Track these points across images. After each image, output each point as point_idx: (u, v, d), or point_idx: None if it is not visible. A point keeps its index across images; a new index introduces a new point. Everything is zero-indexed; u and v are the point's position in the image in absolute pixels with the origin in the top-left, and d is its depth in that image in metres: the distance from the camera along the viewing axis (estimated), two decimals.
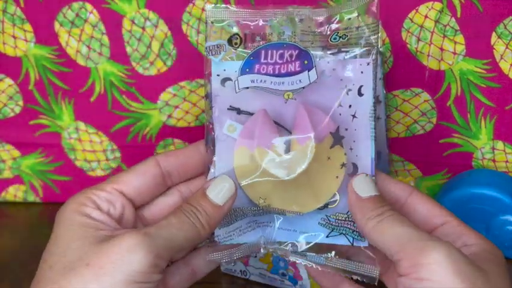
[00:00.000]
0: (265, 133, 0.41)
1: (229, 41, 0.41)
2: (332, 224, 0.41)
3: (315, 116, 0.41)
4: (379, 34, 0.41)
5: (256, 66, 0.41)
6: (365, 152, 0.41)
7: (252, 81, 0.41)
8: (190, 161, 0.42)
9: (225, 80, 0.42)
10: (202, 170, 0.43)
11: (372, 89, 0.41)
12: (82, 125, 0.62)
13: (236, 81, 0.41)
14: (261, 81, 0.41)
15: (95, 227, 0.37)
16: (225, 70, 0.42)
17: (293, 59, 0.41)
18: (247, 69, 0.41)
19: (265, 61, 0.41)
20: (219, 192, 0.39)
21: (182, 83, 0.59)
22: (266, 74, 0.41)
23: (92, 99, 0.61)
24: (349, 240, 0.40)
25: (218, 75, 0.42)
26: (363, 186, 0.39)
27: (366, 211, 0.38)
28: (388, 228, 0.37)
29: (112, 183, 0.40)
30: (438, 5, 0.54)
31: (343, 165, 0.41)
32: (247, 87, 0.41)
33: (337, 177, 0.41)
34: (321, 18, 0.41)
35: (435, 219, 0.39)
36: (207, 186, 0.39)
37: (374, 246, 0.38)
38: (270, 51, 0.41)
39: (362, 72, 0.41)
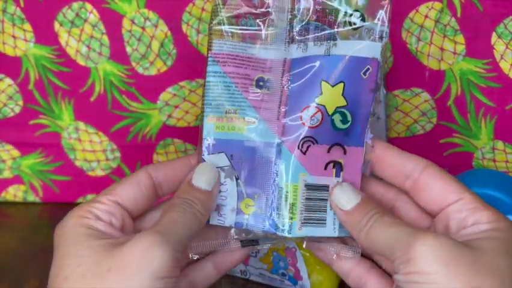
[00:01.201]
0: None
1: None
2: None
3: None
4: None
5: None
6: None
7: None
8: (180, 173, 0.42)
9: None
10: None
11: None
12: (81, 125, 0.62)
13: None
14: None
15: (101, 236, 0.37)
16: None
17: None
18: None
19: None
20: (204, 178, 0.40)
21: (182, 83, 0.59)
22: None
23: (92, 99, 0.61)
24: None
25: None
26: (343, 199, 0.40)
27: (355, 224, 0.38)
28: (378, 235, 0.37)
29: (107, 195, 0.40)
30: (438, 5, 0.54)
31: None
32: None
33: None
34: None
35: (450, 196, 0.38)
36: (190, 177, 0.40)
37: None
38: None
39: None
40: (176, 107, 0.60)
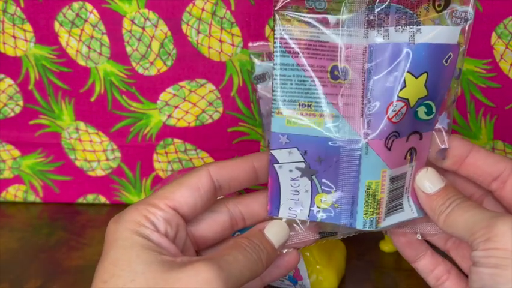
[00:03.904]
0: None
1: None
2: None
3: None
4: None
5: None
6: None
7: None
8: (242, 174, 0.40)
9: None
10: (251, 183, 0.41)
11: None
12: (82, 125, 0.62)
13: None
14: None
15: (157, 250, 0.36)
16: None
17: None
18: None
19: None
20: (274, 231, 0.40)
21: (183, 83, 0.59)
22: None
23: (92, 99, 0.61)
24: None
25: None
26: (427, 183, 0.40)
27: (436, 207, 0.39)
28: (457, 218, 0.37)
29: (166, 200, 0.38)
30: None
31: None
32: None
33: None
34: None
35: None
36: (263, 226, 0.40)
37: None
38: None
39: None
40: (176, 107, 0.60)
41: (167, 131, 0.61)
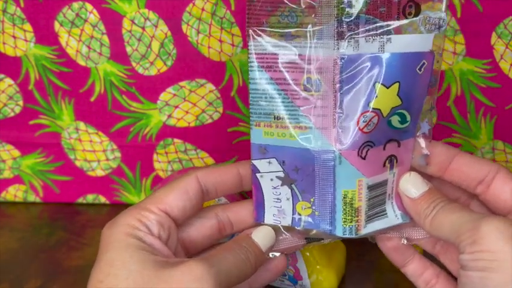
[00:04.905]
0: None
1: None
2: None
3: None
4: None
5: None
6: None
7: None
8: (228, 180, 0.42)
9: None
10: (237, 190, 0.43)
11: None
12: (82, 125, 0.62)
13: None
14: None
15: (151, 251, 0.37)
16: None
17: None
18: None
19: None
20: (261, 235, 0.41)
21: (183, 83, 0.59)
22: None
23: (92, 99, 0.61)
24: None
25: None
26: (410, 187, 0.40)
27: (421, 210, 0.39)
28: (443, 221, 0.38)
29: (157, 203, 0.39)
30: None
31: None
32: None
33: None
34: None
35: None
36: (251, 231, 0.41)
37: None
38: None
39: None
40: (176, 107, 0.60)
41: (167, 131, 0.61)
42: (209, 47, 0.58)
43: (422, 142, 0.40)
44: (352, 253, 0.54)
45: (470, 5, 0.53)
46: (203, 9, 0.56)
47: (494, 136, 0.57)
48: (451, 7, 0.54)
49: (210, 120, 0.61)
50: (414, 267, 0.43)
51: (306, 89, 0.38)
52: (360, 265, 0.55)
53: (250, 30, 0.38)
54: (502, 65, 0.55)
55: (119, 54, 0.59)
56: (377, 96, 0.37)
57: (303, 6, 0.37)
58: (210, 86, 0.59)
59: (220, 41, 0.57)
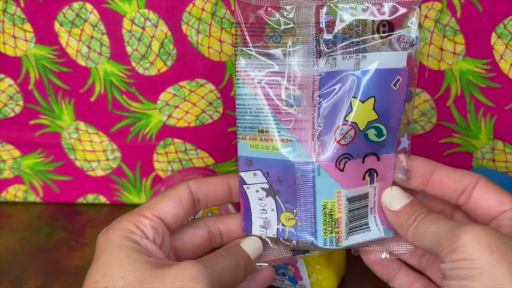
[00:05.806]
0: None
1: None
2: None
3: None
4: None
5: None
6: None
7: None
8: (218, 191, 0.43)
9: None
10: (227, 201, 0.44)
11: None
12: (82, 125, 0.62)
13: None
14: None
15: (146, 253, 0.38)
16: None
17: None
18: None
19: None
20: (251, 246, 0.43)
21: (183, 83, 0.59)
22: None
23: (92, 99, 0.61)
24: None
25: None
26: (392, 201, 0.41)
27: (403, 222, 0.40)
28: (424, 231, 0.38)
29: (151, 210, 0.40)
30: (438, 5, 0.54)
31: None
32: None
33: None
34: None
35: (503, 206, 0.40)
36: (239, 241, 0.43)
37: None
38: None
39: None
40: (176, 107, 0.60)
41: (167, 131, 0.62)
42: (209, 47, 0.58)
43: (401, 157, 0.42)
44: (352, 253, 0.54)
45: (470, 5, 0.53)
46: (203, 9, 0.56)
47: (494, 136, 0.57)
48: (451, 7, 0.54)
49: (210, 120, 0.61)
50: (400, 281, 0.44)
51: (288, 104, 0.41)
52: (360, 265, 0.54)
53: (237, 51, 0.41)
54: (501, 65, 0.55)
55: (119, 54, 0.59)
56: (352, 110, 0.39)
57: (284, 28, 0.40)
58: (210, 86, 0.59)
59: (220, 41, 0.57)
